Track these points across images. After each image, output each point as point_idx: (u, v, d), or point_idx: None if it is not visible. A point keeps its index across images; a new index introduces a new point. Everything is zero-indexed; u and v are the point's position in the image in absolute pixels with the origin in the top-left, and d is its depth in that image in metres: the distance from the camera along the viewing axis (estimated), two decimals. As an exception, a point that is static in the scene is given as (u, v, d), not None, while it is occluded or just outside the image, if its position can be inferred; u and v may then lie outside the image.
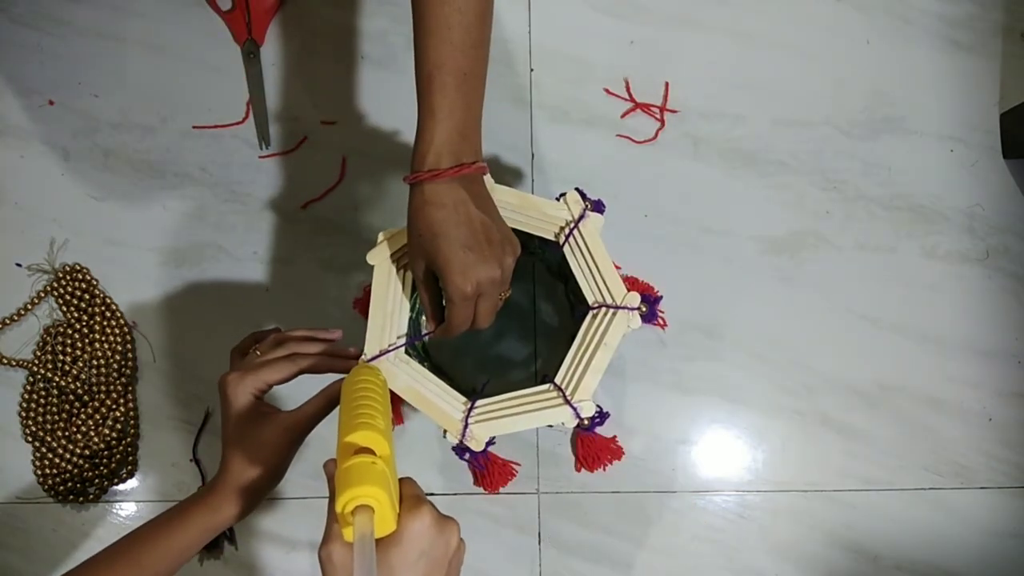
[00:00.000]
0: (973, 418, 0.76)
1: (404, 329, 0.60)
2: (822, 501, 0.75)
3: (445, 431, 0.59)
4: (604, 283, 0.60)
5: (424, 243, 0.52)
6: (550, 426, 0.70)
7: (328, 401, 0.58)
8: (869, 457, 0.75)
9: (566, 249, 0.60)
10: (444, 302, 0.54)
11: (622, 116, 0.79)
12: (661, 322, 0.75)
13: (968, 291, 0.77)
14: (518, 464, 0.72)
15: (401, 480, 0.46)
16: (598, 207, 0.61)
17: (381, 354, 0.59)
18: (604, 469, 0.73)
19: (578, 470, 0.74)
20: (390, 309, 0.60)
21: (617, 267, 0.73)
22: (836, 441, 0.75)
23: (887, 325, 0.77)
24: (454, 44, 0.51)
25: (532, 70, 0.79)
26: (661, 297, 0.72)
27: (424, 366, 0.62)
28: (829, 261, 0.77)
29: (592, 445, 0.72)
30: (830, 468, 0.75)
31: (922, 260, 0.78)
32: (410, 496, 0.46)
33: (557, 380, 0.59)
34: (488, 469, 0.69)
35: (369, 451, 0.44)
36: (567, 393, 0.59)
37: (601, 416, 0.65)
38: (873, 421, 0.76)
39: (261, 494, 0.56)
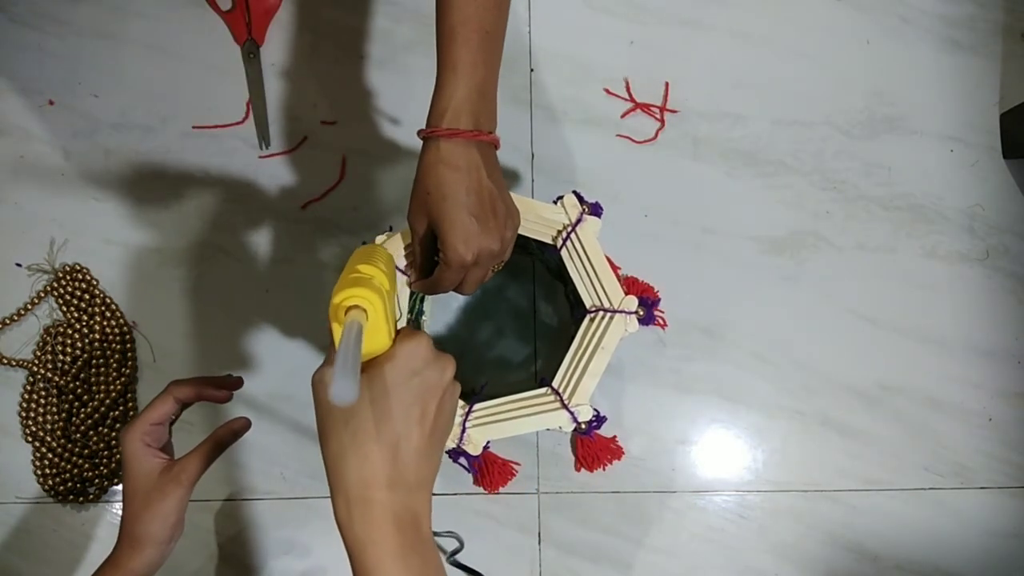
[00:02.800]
0: (973, 418, 0.76)
1: None
2: (822, 501, 0.75)
3: None
4: (601, 287, 0.60)
5: (431, 202, 0.51)
6: (547, 429, 0.70)
7: (216, 444, 0.57)
8: (869, 457, 0.75)
9: (564, 253, 0.60)
10: (439, 262, 0.53)
11: (622, 116, 0.79)
12: (661, 322, 0.75)
13: (968, 291, 0.77)
14: (518, 464, 0.72)
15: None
16: (596, 210, 0.61)
17: None
18: (604, 469, 0.73)
19: (578, 470, 0.74)
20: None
21: (616, 268, 0.73)
22: (836, 441, 0.75)
23: (887, 325, 0.77)
24: (478, 1, 0.51)
25: (532, 70, 0.79)
26: (659, 300, 0.72)
27: None
28: (829, 261, 0.77)
29: (592, 445, 0.72)
30: (830, 468, 0.75)
31: (922, 260, 0.78)
32: (407, 329, 0.46)
33: (554, 384, 0.59)
34: (488, 469, 0.69)
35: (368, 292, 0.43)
36: (564, 397, 0.59)
37: (598, 420, 0.65)
38: (873, 421, 0.76)
39: (159, 542, 0.55)
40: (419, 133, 0.52)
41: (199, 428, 0.75)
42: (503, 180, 0.54)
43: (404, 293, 0.60)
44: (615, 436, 0.73)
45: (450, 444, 0.59)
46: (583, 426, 0.59)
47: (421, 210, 0.52)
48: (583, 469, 0.73)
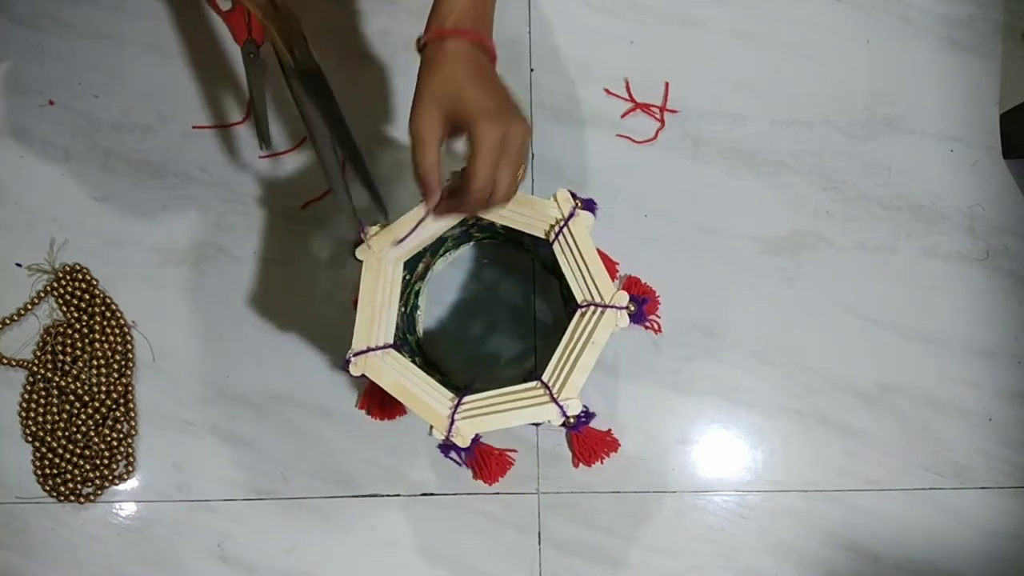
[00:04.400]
0: (973, 418, 0.76)
1: (393, 324, 0.60)
2: (822, 501, 0.75)
3: (432, 427, 0.59)
4: (593, 281, 0.60)
5: (445, 93, 0.50)
6: (537, 424, 0.70)
7: None
8: (869, 457, 0.75)
9: (556, 247, 0.60)
10: (468, 157, 0.50)
11: (622, 116, 0.79)
12: (656, 327, 0.75)
13: (968, 291, 0.77)
14: (514, 451, 0.72)
15: None
16: (589, 206, 0.61)
17: (368, 350, 0.59)
18: (602, 463, 0.73)
19: (576, 466, 0.74)
20: (379, 304, 0.60)
21: (615, 265, 0.73)
22: (836, 441, 0.75)
23: (887, 325, 0.77)
24: None
25: (532, 70, 0.79)
26: (648, 298, 0.72)
27: (416, 361, 0.62)
28: (829, 261, 0.77)
29: (587, 440, 0.72)
30: (830, 468, 0.75)
31: (922, 260, 0.78)
32: None
33: (544, 378, 0.60)
34: (485, 462, 0.69)
35: None
36: (554, 391, 0.59)
37: (587, 415, 0.65)
38: (873, 421, 0.76)
39: None
40: (419, 41, 0.52)
41: (200, 428, 0.75)
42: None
43: (396, 288, 0.60)
44: (610, 429, 0.73)
45: (439, 437, 0.59)
46: (572, 420, 0.59)
47: (434, 107, 0.50)
48: (581, 464, 0.73)
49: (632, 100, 0.79)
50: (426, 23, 0.52)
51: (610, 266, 0.74)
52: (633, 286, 0.74)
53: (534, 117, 0.78)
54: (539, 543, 0.74)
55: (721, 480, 0.75)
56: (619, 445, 0.73)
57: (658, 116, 0.79)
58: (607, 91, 0.79)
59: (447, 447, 0.61)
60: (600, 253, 0.60)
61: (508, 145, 0.50)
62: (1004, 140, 0.79)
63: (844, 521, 0.75)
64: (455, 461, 0.65)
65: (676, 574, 0.74)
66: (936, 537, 0.75)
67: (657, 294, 0.74)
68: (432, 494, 0.74)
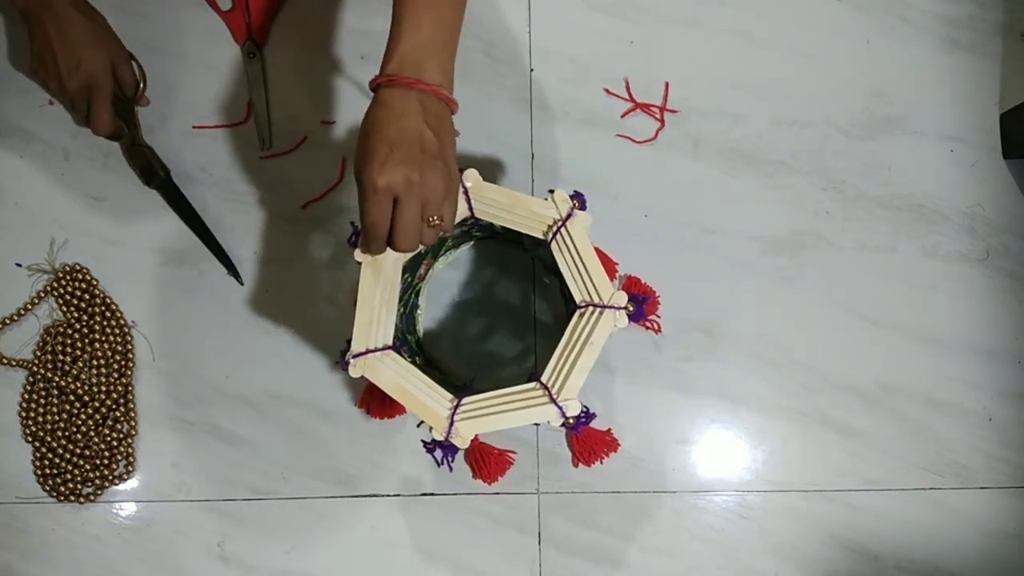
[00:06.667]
0: (973, 418, 0.76)
1: (392, 326, 0.60)
2: (822, 501, 0.75)
3: (431, 428, 0.59)
4: (591, 282, 0.60)
5: (358, 142, 0.52)
6: (536, 424, 0.70)
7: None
8: (869, 457, 0.75)
9: (554, 247, 0.60)
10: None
11: (622, 116, 0.79)
12: (656, 327, 0.75)
13: (968, 291, 0.77)
14: (514, 452, 0.72)
15: None
16: (578, 199, 0.61)
17: (367, 352, 0.59)
18: (601, 462, 0.73)
19: (575, 465, 0.74)
20: (377, 306, 0.60)
21: (614, 265, 0.73)
22: (836, 441, 0.75)
23: (887, 325, 0.77)
24: None
25: (532, 70, 0.79)
26: (648, 297, 0.72)
27: (416, 361, 0.62)
28: (829, 261, 0.77)
29: (587, 440, 0.72)
30: (830, 468, 0.75)
31: (922, 260, 0.78)
32: None
33: (543, 379, 0.60)
34: (484, 461, 0.69)
35: None
36: (553, 392, 0.59)
37: (587, 416, 0.65)
38: (873, 421, 0.76)
39: None
40: (371, 82, 0.54)
41: (200, 428, 0.75)
42: (452, 140, 0.54)
43: (395, 289, 0.60)
44: (610, 429, 0.73)
45: (438, 438, 0.59)
46: (571, 421, 0.59)
47: (355, 156, 0.53)
48: (581, 464, 0.73)
49: (632, 100, 0.79)
50: (381, 64, 0.54)
51: (610, 266, 0.74)
52: (633, 286, 0.74)
53: (534, 117, 0.78)
54: (539, 543, 0.74)
55: (721, 480, 0.75)
56: (619, 445, 0.73)
57: (658, 116, 0.79)
58: (607, 91, 0.79)
59: (437, 446, 0.61)
60: (600, 253, 0.60)
61: (397, 191, 0.50)
62: (1004, 140, 0.79)
63: (844, 521, 0.75)
64: (436, 461, 0.64)
65: (676, 574, 0.74)
66: (936, 537, 0.75)
67: (657, 294, 0.74)
68: (432, 494, 0.74)
